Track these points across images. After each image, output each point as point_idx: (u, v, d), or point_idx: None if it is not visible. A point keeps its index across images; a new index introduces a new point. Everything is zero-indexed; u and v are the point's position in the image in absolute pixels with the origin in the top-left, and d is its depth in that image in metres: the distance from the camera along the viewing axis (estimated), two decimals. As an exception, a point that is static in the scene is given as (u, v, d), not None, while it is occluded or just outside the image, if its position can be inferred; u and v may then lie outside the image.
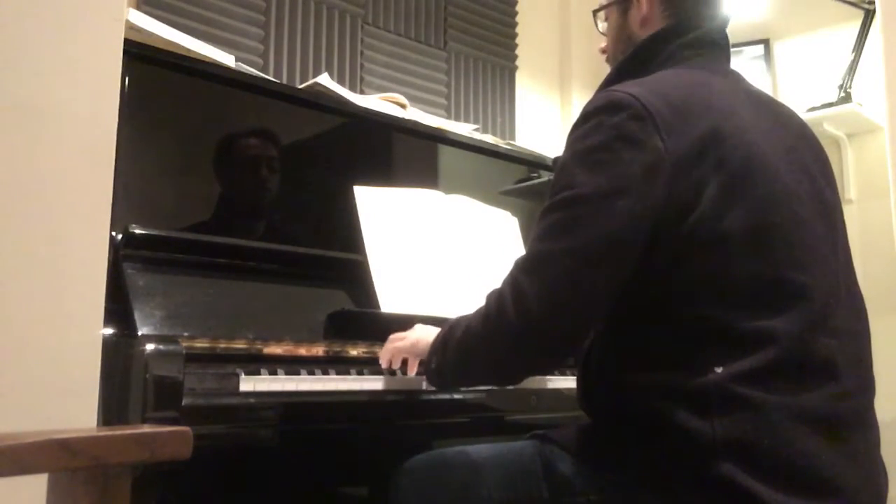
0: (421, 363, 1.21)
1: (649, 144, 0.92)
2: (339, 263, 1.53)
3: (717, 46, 1.11)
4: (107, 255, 1.17)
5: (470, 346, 1.04)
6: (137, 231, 1.30)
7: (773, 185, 0.97)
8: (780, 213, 0.96)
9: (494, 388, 1.43)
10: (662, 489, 0.92)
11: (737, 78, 1.11)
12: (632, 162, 0.92)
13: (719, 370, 0.89)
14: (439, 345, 1.10)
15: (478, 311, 1.03)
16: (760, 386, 0.89)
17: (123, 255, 1.28)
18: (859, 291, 1.06)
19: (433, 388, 1.36)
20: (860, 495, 0.91)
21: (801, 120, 1.12)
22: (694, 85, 1.02)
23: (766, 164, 0.97)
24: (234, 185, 1.56)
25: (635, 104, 0.94)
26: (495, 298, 1.00)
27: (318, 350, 1.30)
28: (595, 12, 1.24)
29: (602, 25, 1.23)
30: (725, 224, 0.92)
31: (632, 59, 1.11)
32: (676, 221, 0.92)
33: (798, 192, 0.99)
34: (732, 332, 0.91)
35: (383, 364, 1.28)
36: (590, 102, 1.00)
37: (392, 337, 1.29)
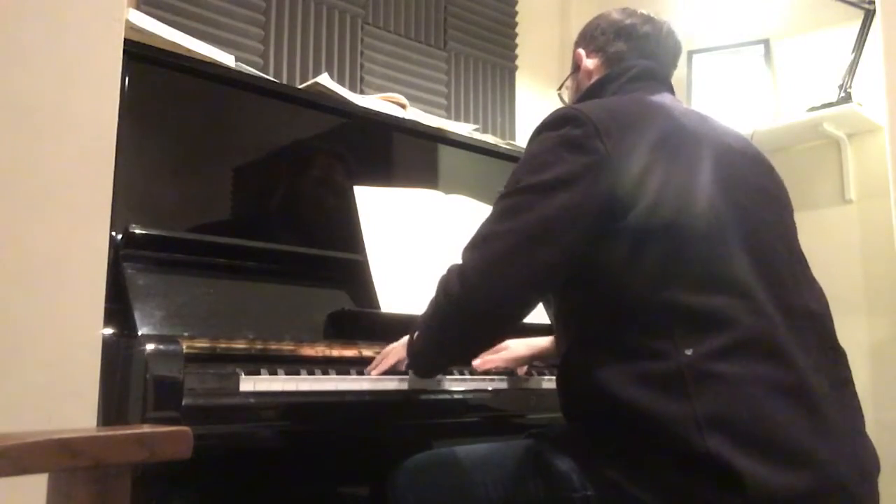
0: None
1: (590, 147, 1.01)
2: (339, 263, 1.54)
3: (654, 80, 1.22)
4: (107, 255, 1.17)
5: (428, 325, 1.12)
6: (137, 231, 1.30)
7: (718, 175, 1.04)
8: (726, 201, 1.03)
9: (489, 387, 1.43)
10: (655, 478, 0.93)
11: (675, 100, 1.21)
12: (574, 162, 1.02)
13: (689, 352, 0.94)
14: (412, 332, 1.17)
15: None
16: (732, 361, 0.93)
17: (123, 255, 1.28)
18: (815, 279, 1.11)
19: (433, 388, 1.36)
20: (841, 468, 0.92)
21: (738, 132, 1.20)
22: (633, 101, 1.14)
23: (705, 158, 1.05)
24: (234, 185, 1.56)
25: (578, 115, 1.04)
26: (444, 277, 1.08)
27: (318, 350, 1.31)
28: (559, 91, 1.42)
29: (567, 99, 1.39)
30: (675, 211, 0.99)
31: (583, 94, 1.25)
32: (625, 214, 0.99)
33: (740, 185, 1.07)
34: (697, 314, 0.96)
35: (374, 374, 1.30)
36: (545, 117, 1.10)
37: (385, 351, 1.33)
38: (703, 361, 0.93)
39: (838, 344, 1.07)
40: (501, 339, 1.16)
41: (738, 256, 1.00)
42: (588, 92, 1.25)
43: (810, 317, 1.04)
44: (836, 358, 1.05)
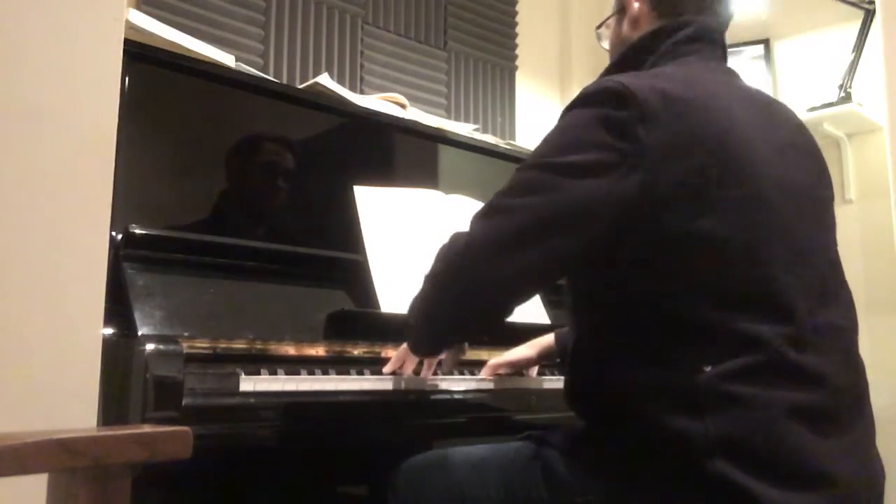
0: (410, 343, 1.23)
1: (632, 134, 0.92)
2: (339, 263, 1.54)
3: (711, 43, 1.10)
4: (107, 255, 1.17)
5: (421, 296, 1.08)
6: (137, 231, 1.30)
7: (762, 183, 0.96)
8: (767, 213, 0.96)
9: (489, 387, 1.43)
10: (659, 491, 0.92)
11: (732, 75, 1.11)
12: (610, 147, 0.93)
13: (709, 369, 0.89)
14: (411, 303, 1.13)
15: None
16: (751, 383, 0.89)
17: (123, 255, 1.28)
18: (848, 288, 1.06)
19: (433, 388, 1.36)
20: (855, 486, 0.91)
21: (797, 118, 1.12)
22: (688, 81, 1.01)
23: (755, 163, 0.97)
24: (234, 185, 1.56)
25: (626, 93, 0.94)
26: (445, 245, 1.03)
27: (318, 350, 1.31)
28: (598, 28, 1.26)
29: (605, 42, 1.24)
30: (711, 223, 0.92)
31: (625, 58, 1.12)
32: (656, 217, 0.92)
33: (788, 191, 0.99)
34: (721, 333, 0.91)
35: (387, 371, 1.30)
36: (585, 88, 1.01)
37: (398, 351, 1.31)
38: (722, 381, 0.89)
39: (860, 357, 1.02)
40: (491, 324, 1.08)
41: (776, 276, 0.93)
42: (634, 50, 1.11)
43: (839, 332, 0.98)
44: (857, 373, 1.00)
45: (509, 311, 1.04)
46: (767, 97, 1.11)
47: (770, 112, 1.07)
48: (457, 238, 1.01)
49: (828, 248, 1.04)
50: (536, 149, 1.01)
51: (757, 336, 0.90)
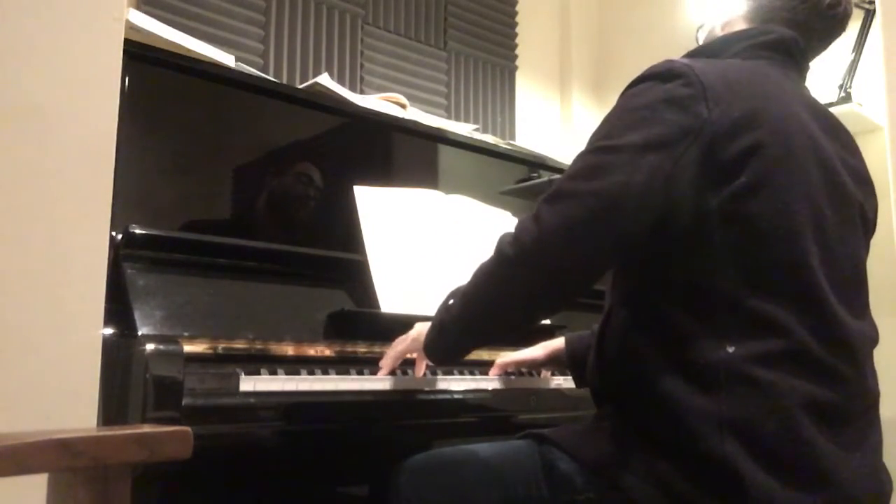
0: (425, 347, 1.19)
1: (693, 110, 0.94)
2: (339, 263, 1.53)
3: (788, 56, 1.11)
4: (107, 255, 1.17)
5: (479, 281, 1.04)
6: (137, 231, 1.30)
7: (806, 177, 0.98)
8: (812, 206, 0.97)
9: (489, 387, 1.43)
10: (659, 484, 0.92)
11: (799, 84, 1.12)
12: (672, 123, 0.94)
13: (731, 349, 0.90)
14: (444, 302, 1.11)
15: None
16: (772, 369, 0.89)
17: (123, 255, 1.28)
18: (868, 305, 1.07)
19: (433, 388, 1.36)
20: (860, 491, 0.90)
21: (848, 131, 1.13)
22: (752, 72, 1.04)
23: (802, 157, 0.98)
24: (234, 185, 1.56)
25: (690, 73, 0.97)
26: (507, 234, 1.01)
27: (318, 350, 1.30)
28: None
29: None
30: (753, 206, 0.94)
31: (702, 48, 1.14)
32: (704, 193, 0.94)
33: (837, 195, 1.01)
34: (749, 314, 0.92)
35: (384, 371, 1.29)
36: (651, 66, 1.02)
37: (394, 343, 1.29)
38: (743, 363, 0.89)
39: (874, 367, 1.02)
40: (559, 310, 1.08)
41: (812, 266, 0.95)
42: (712, 44, 1.13)
43: (865, 339, 1.00)
44: (874, 383, 1.01)
45: (578, 297, 1.05)
46: (833, 115, 1.12)
47: (830, 124, 1.08)
48: (524, 226, 0.99)
49: (861, 263, 1.05)
50: (599, 129, 1.01)
51: (783, 322, 0.91)
